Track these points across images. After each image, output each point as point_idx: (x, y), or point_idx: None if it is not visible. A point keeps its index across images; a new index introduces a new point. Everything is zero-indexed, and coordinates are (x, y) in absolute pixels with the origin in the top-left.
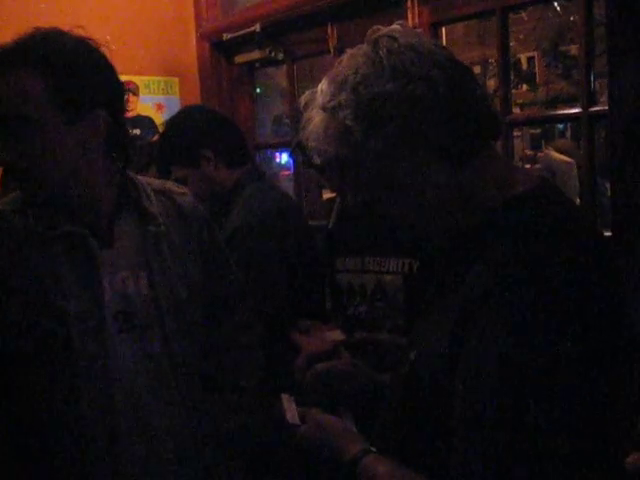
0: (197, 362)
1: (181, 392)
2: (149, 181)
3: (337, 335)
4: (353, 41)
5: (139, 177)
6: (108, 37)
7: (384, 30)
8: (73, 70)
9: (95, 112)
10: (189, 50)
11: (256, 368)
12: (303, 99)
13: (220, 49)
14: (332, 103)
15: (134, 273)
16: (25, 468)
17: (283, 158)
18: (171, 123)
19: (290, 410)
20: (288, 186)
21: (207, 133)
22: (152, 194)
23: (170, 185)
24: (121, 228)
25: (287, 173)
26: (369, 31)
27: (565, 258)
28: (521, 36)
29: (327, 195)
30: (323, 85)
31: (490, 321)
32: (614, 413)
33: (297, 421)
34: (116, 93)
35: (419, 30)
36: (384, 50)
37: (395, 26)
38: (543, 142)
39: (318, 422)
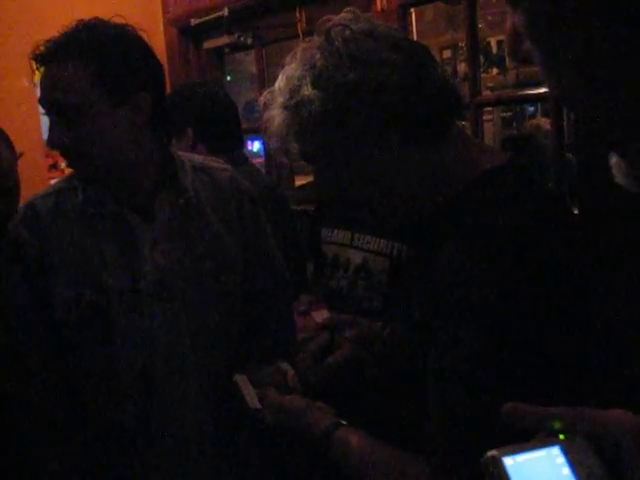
0: (225, 338)
1: (204, 359)
2: (190, 157)
3: (323, 315)
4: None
5: (180, 153)
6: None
7: (335, 19)
8: (116, 58)
9: (139, 94)
10: (156, 36)
11: (294, 341)
12: (262, 99)
13: (188, 34)
14: (293, 100)
15: (171, 245)
16: (70, 421)
17: (255, 145)
18: (176, 89)
19: (248, 394)
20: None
21: (191, 112)
22: (190, 170)
23: (210, 161)
24: (161, 203)
25: (259, 160)
26: (319, 22)
27: (527, 232)
28: (490, 18)
29: (300, 181)
30: (281, 83)
31: (461, 295)
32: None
33: (258, 405)
34: (156, 75)
35: (368, 15)
36: (339, 39)
37: (345, 14)
38: (514, 125)
39: (279, 404)
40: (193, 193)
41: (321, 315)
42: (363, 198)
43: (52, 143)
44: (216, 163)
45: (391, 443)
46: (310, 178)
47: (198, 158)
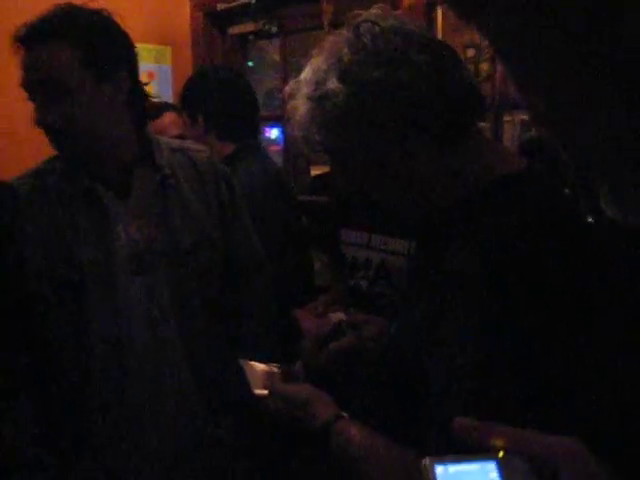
0: (204, 313)
1: (182, 333)
2: (169, 141)
3: (340, 316)
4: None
5: (158, 136)
6: (101, 0)
7: (364, 15)
8: (95, 37)
9: (118, 73)
10: (182, 19)
11: (270, 339)
12: (288, 89)
13: (214, 19)
14: (318, 92)
15: (146, 220)
16: (41, 399)
17: (273, 133)
18: (195, 73)
19: (253, 379)
20: (277, 161)
21: (202, 97)
22: (167, 150)
23: (189, 144)
24: (137, 181)
25: (276, 148)
26: (348, 16)
27: (539, 240)
28: None
29: (315, 171)
30: (307, 74)
31: (466, 296)
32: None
33: (263, 392)
34: (132, 56)
35: (398, 12)
36: (367, 36)
37: (375, 10)
38: (534, 128)
39: (284, 393)
40: (170, 172)
41: (338, 317)
42: (378, 195)
43: (40, 121)
44: (193, 145)
45: (389, 434)
46: (326, 168)
47: (176, 141)
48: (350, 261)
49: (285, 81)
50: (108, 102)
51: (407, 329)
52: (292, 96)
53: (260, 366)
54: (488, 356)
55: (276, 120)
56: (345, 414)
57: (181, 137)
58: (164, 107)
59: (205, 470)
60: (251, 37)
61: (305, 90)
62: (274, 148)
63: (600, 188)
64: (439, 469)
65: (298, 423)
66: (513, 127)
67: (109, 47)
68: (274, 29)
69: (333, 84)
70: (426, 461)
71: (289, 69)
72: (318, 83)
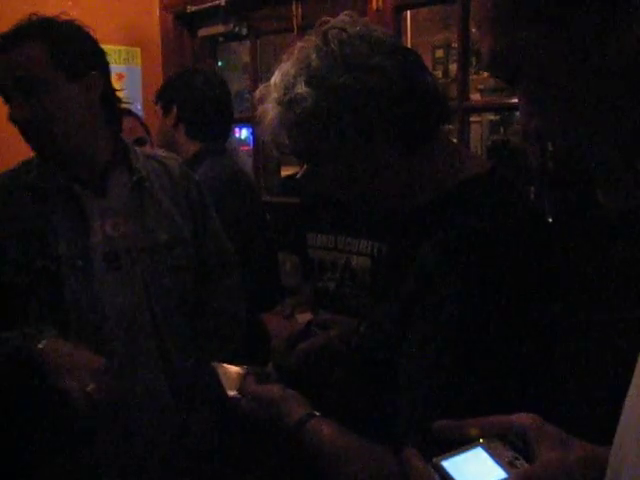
0: (178, 310)
1: (157, 325)
2: (141, 149)
3: (308, 317)
4: (317, 21)
5: (132, 145)
6: (70, 3)
7: (332, 21)
8: (68, 40)
9: (90, 73)
10: (152, 21)
11: (237, 337)
12: (257, 94)
13: (183, 21)
14: (287, 97)
15: (122, 218)
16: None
17: (243, 133)
18: (183, 69)
19: (226, 381)
20: (247, 161)
21: (183, 89)
22: (141, 156)
23: (160, 152)
24: (113, 181)
25: (246, 148)
26: (317, 22)
27: (504, 236)
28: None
29: (286, 172)
30: (276, 79)
31: (436, 292)
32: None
33: (236, 394)
34: (104, 61)
35: (366, 18)
36: (335, 42)
37: (343, 17)
38: (502, 129)
39: (256, 393)
40: (145, 174)
41: (306, 318)
42: (346, 196)
43: (14, 117)
44: (165, 153)
45: (361, 432)
46: (296, 169)
47: (147, 150)
48: (318, 264)
49: (255, 82)
50: (81, 99)
51: (377, 328)
52: (262, 100)
53: (233, 368)
54: (454, 353)
55: (246, 121)
56: (317, 413)
57: (141, 140)
58: (124, 112)
59: (174, 465)
60: (221, 39)
61: (275, 94)
62: (244, 148)
63: (598, 179)
64: (446, 464)
65: (271, 423)
66: (481, 127)
67: (79, 48)
68: (244, 31)
69: (301, 89)
70: (433, 462)
71: (259, 71)
72: (287, 88)
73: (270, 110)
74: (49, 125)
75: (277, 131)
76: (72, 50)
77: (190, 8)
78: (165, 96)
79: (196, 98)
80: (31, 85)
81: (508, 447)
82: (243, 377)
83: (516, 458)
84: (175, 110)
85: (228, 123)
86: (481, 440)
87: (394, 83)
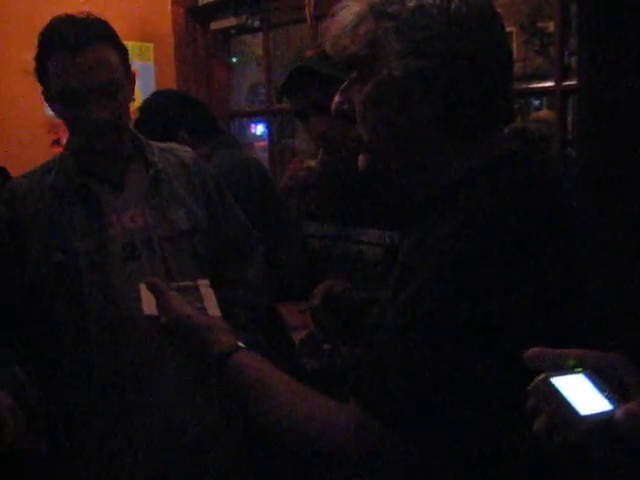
0: None
1: None
2: (155, 143)
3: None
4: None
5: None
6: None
7: None
8: (120, 41)
9: (130, 70)
10: (164, 15)
11: (263, 305)
12: (337, 8)
13: (195, 15)
14: (382, 8)
15: (140, 210)
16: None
17: (258, 129)
18: (144, 111)
19: (147, 300)
20: (263, 157)
21: (179, 117)
22: (156, 150)
23: (174, 145)
24: (131, 175)
25: (262, 144)
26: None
27: (516, 218)
28: (499, 11)
29: None
30: None
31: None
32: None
33: (154, 311)
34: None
35: None
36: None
37: None
38: (519, 117)
39: (180, 314)
40: (161, 167)
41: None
42: (382, 156)
43: (99, 122)
44: (178, 146)
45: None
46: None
47: (163, 143)
48: (324, 256)
49: (269, 75)
50: (128, 97)
51: (379, 310)
52: (343, 7)
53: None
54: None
55: (261, 115)
56: (242, 344)
57: None
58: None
59: (200, 460)
60: (233, 32)
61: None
62: (260, 144)
63: None
64: (554, 380)
65: (194, 349)
66: None
67: (125, 46)
68: (256, 23)
69: (399, 9)
70: (543, 377)
71: (273, 63)
72: (387, 1)
73: (354, 7)
74: (123, 125)
75: (348, 31)
76: (125, 51)
77: (202, 1)
78: (166, 136)
79: (195, 113)
80: (111, 88)
81: (604, 381)
82: (164, 295)
83: (614, 392)
84: (186, 135)
85: (212, 123)
86: (578, 369)
87: (479, 65)
